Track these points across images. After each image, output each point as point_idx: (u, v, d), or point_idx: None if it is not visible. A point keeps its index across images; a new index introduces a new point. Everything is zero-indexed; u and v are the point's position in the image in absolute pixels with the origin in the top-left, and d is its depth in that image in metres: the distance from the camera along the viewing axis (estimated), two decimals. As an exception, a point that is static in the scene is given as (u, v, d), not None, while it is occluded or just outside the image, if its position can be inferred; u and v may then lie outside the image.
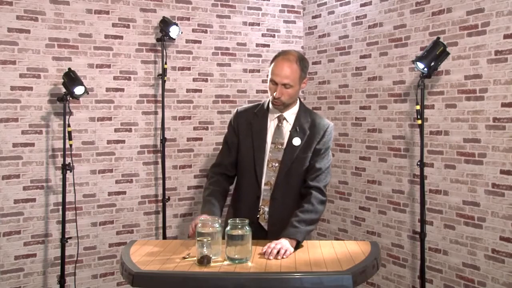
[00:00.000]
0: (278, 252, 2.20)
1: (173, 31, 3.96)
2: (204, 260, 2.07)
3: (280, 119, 2.60)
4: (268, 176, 2.57)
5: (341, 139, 4.38)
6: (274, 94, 2.50)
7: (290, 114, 2.61)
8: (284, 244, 2.25)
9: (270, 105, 2.62)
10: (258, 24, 4.57)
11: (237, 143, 2.65)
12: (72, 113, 3.74)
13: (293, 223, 2.39)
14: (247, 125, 2.63)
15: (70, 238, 3.65)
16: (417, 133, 3.58)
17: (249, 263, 2.10)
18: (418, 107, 3.28)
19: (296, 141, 2.56)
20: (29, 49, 3.65)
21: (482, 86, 3.27)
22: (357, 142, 4.23)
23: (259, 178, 2.56)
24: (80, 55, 3.83)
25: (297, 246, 2.34)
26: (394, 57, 3.88)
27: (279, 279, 1.96)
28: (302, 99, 4.77)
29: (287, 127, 2.60)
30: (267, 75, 2.58)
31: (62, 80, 3.55)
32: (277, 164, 2.56)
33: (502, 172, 3.16)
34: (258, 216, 2.58)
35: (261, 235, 2.52)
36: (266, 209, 2.58)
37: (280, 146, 2.57)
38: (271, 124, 2.61)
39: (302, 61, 2.54)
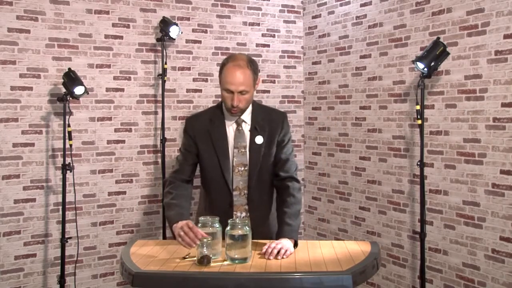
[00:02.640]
0: (278, 252, 2.19)
1: (173, 31, 3.96)
2: (204, 260, 2.07)
3: (239, 122, 2.58)
4: (236, 181, 2.56)
5: (341, 139, 4.38)
6: (232, 103, 2.45)
7: (247, 115, 2.59)
8: (284, 244, 2.24)
9: (225, 111, 2.58)
10: (258, 24, 4.57)
11: (196, 151, 2.60)
12: (72, 113, 3.74)
13: (286, 221, 2.40)
14: (205, 133, 2.58)
15: (70, 238, 3.65)
16: (417, 133, 3.58)
17: (249, 263, 2.10)
18: (418, 107, 3.28)
19: (259, 139, 2.56)
20: (29, 49, 3.65)
21: (482, 86, 3.27)
22: (357, 142, 4.23)
23: (229, 184, 2.55)
24: (80, 55, 3.83)
25: (296, 243, 2.34)
26: (394, 57, 3.88)
27: (279, 279, 1.96)
28: (302, 99, 4.80)
29: (246, 128, 2.59)
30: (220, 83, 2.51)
31: (62, 80, 3.55)
32: (243, 168, 2.56)
33: (502, 172, 3.16)
34: None
35: None
36: (239, 214, 2.57)
37: (244, 150, 2.56)
38: (230, 129, 2.59)
39: (252, 63, 2.50)
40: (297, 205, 2.51)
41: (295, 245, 2.33)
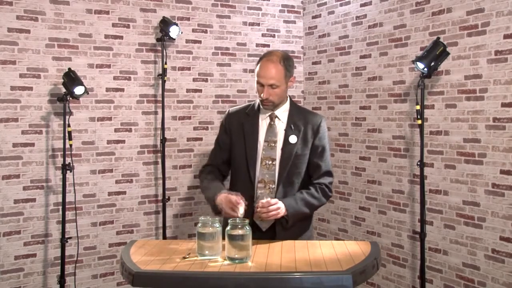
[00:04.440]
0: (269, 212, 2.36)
1: (173, 31, 3.97)
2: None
3: (272, 117, 2.63)
4: (262, 174, 2.58)
5: (341, 139, 4.38)
6: (262, 95, 2.54)
7: (282, 112, 2.64)
8: (281, 209, 2.40)
9: (261, 106, 2.65)
10: (258, 24, 4.57)
11: (229, 144, 2.68)
12: (72, 113, 3.74)
13: (296, 198, 2.50)
14: (239, 126, 2.66)
15: (70, 238, 3.65)
16: (417, 133, 3.58)
17: (249, 263, 2.10)
18: (418, 107, 3.28)
19: (293, 139, 2.59)
20: (29, 49, 3.65)
21: (482, 86, 3.27)
22: (357, 142, 4.23)
23: (252, 177, 2.58)
24: (80, 55, 3.83)
25: (287, 221, 2.47)
26: (394, 57, 3.88)
27: (279, 279, 1.96)
28: (302, 99, 4.80)
29: (279, 125, 2.62)
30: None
31: (62, 80, 3.56)
32: (270, 162, 2.58)
33: (502, 172, 3.16)
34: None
35: (256, 234, 2.46)
36: None
37: (273, 144, 2.59)
38: (263, 123, 2.64)
39: (286, 60, 2.57)
40: (315, 200, 2.55)
41: (286, 221, 2.47)
